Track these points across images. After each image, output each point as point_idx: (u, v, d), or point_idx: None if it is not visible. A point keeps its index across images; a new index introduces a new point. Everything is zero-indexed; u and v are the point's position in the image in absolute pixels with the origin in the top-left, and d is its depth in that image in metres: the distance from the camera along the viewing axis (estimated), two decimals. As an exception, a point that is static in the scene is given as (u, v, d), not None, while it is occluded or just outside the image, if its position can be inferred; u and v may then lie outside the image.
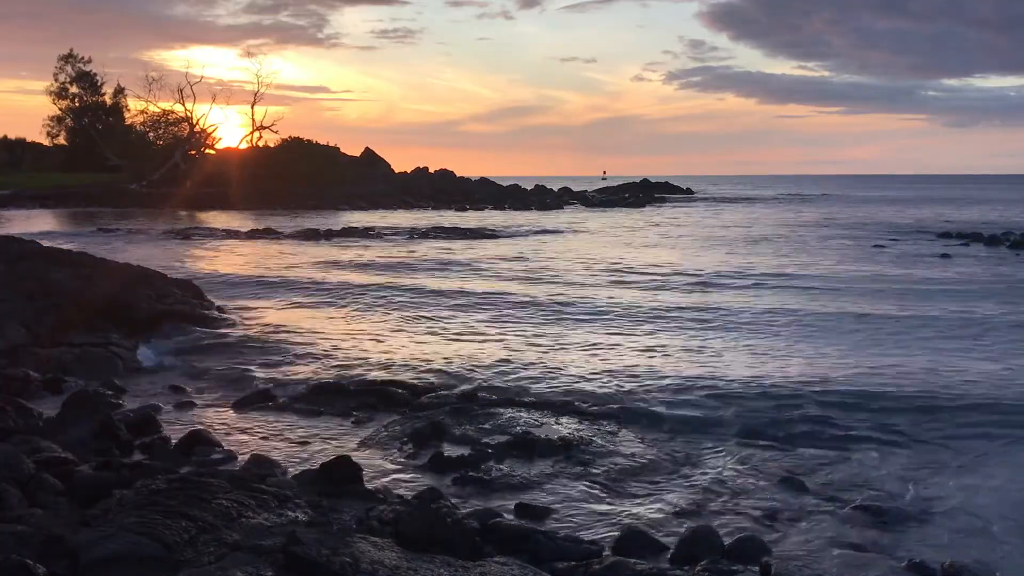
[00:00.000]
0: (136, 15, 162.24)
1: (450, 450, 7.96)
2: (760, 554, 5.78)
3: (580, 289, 19.18)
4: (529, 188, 74.37)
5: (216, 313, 14.52)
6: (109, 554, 4.74)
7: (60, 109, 78.58)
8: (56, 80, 77.77)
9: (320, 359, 11.92)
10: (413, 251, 28.39)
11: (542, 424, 8.79)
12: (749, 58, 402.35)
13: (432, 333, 13.90)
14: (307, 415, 9.27)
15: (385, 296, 17.98)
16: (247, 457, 7.60)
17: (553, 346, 12.82)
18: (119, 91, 78.34)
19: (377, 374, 11.02)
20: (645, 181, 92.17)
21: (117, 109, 78.71)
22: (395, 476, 7.43)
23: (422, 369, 11.30)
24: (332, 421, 9.09)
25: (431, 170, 75.00)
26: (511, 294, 18.33)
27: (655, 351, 12.47)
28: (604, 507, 6.77)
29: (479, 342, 13.15)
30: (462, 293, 18.43)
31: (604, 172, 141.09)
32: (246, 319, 14.75)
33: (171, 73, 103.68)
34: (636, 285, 20.00)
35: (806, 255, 27.56)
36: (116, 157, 68.78)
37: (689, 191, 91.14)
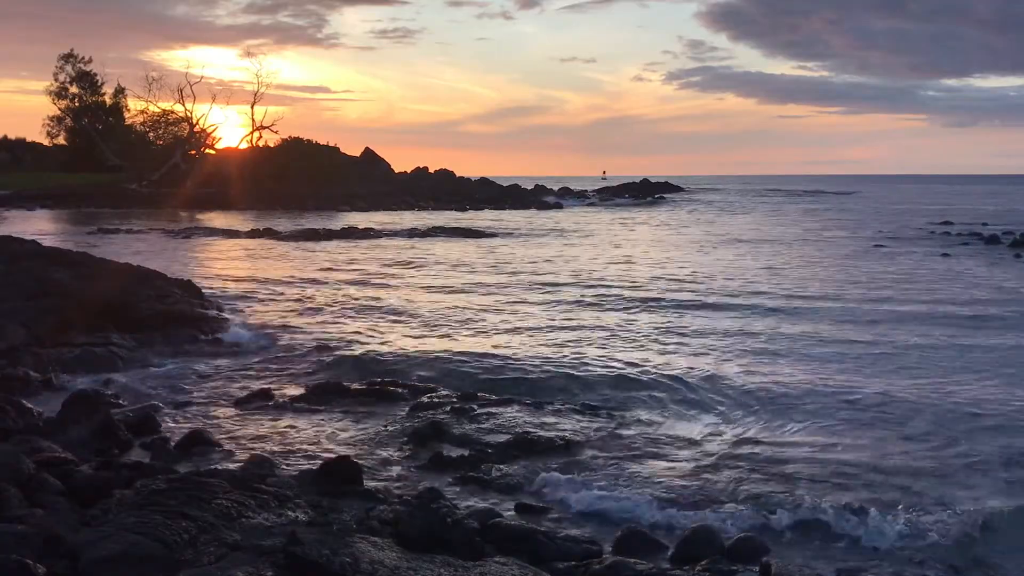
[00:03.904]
0: (136, 15, 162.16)
1: (450, 450, 7.96)
2: (760, 554, 5.78)
3: (580, 289, 19.18)
4: (529, 188, 74.37)
5: (216, 313, 14.51)
6: (109, 554, 4.74)
7: (60, 109, 78.55)
8: (56, 80, 77.78)
9: (321, 358, 11.91)
10: (413, 251, 28.40)
11: (542, 424, 8.80)
12: (749, 58, 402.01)
13: (432, 333, 13.90)
14: (307, 415, 9.27)
15: (385, 295, 17.99)
16: (247, 457, 7.60)
17: (554, 345, 12.81)
18: (119, 91, 78.34)
19: (378, 373, 11.02)
20: (645, 181, 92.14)
21: (117, 109, 78.62)
22: (395, 476, 7.43)
23: (423, 369, 11.30)
24: (332, 421, 9.08)
25: (431, 170, 74.95)
26: (509, 294, 18.35)
27: (658, 350, 12.47)
28: (604, 506, 6.76)
29: (479, 342, 13.15)
30: (461, 292, 18.45)
31: (604, 172, 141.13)
32: (246, 319, 14.75)
33: (171, 73, 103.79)
34: (638, 289, 19.99)
35: (812, 259, 27.57)
36: (116, 157, 68.77)
37: (690, 191, 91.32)
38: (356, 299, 17.55)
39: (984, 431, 8.65)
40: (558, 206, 61.55)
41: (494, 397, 9.85)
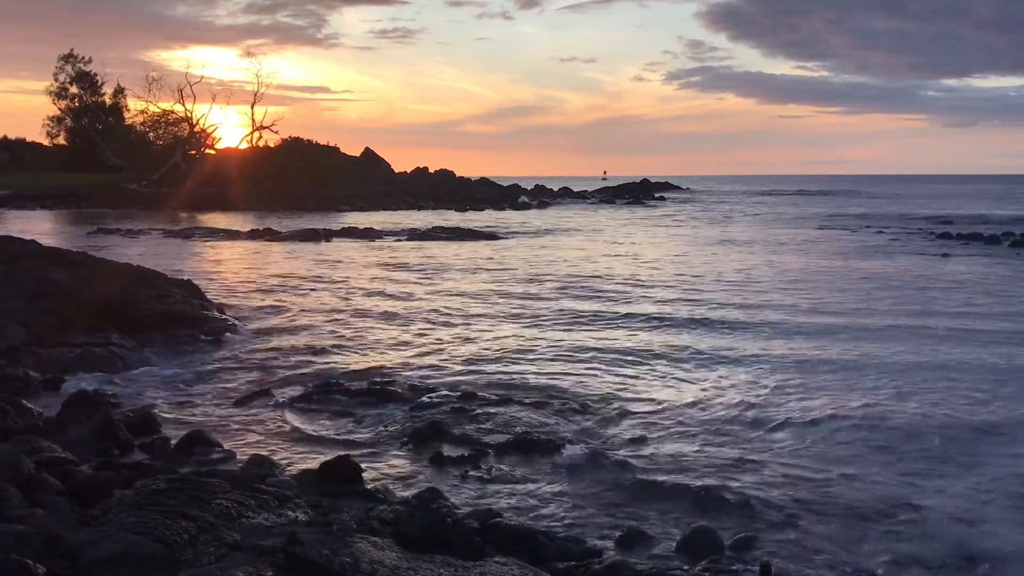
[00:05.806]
0: (136, 15, 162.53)
1: (450, 450, 7.96)
2: (760, 554, 5.78)
3: (578, 289, 19.19)
4: (529, 188, 74.44)
5: (216, 313, 14.50)
6: (109, 554, 4.73)
7: (60, 109, 78.75)
8: (56, 80, 78.01)
9: (321, 359, 11.92)
10: (413, 251, 28.40)
11: (542, 424, 8.80)
12: (748, 58, 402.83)
13: (432, 333, 13.90)
14: (307, 415, 9.27)
15: (386, 296, 17.99)
16: (247, 457, 7.60)
17: (554, 345, 12.82)
18: (119, 91, 78.55)
19: (378, 373, 11.02)
20: (645, 181, 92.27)
21: (117, 109, 78.78)
22: (395, 476, 7.43)
23: (423, 369, 11.31)
24: (332, 421, 9.08)
25: (431, 170, 75.05)
26: (509, 295, 18.35)
27: (660, 350, 12.48)
28: (604, 506, 6.76)
29: (479, 343, 13.15)
30: (461, 293, 18.45)
31: (604, 172, 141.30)
32: (246, 319, 14.74)
33: (171, 73, 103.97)
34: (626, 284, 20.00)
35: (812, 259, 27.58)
36: (116, 157, 68.83)
37: (690, 191, 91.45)
38: (357, 299, 17.55)
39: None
40: (558, 206, 61.58)
41: (494, 397, 9.84)
